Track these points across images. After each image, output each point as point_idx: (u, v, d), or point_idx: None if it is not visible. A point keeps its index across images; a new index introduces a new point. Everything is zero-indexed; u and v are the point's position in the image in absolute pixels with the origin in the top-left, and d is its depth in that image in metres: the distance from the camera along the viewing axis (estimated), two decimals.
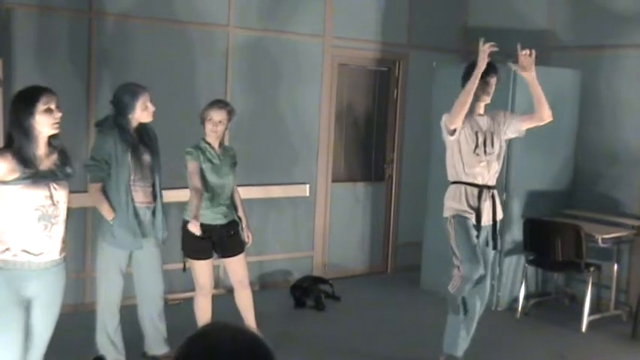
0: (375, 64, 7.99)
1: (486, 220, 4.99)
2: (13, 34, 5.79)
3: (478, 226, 4.96)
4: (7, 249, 3.56)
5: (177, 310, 6.00)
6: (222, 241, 5.10)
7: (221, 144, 5.14)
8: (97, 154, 4.79)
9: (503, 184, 6.59)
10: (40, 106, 3.56)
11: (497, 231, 5.08)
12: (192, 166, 4.93)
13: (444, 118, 4.98)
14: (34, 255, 3.60)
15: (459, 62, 8.24)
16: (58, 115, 3.62)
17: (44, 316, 3.73)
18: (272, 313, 5.98)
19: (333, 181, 7.78)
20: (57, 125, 3.62)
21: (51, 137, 3.66)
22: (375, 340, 5.93)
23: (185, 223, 5.05)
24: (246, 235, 5.24)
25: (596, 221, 6.64)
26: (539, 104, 5.03)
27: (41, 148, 3.62)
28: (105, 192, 4.81)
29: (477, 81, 4.83)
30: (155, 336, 5.14)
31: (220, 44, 6.80)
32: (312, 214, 7.60)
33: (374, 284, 7.75)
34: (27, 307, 3.66)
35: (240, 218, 5.23)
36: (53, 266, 3.70)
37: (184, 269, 5.18)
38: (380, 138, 8.17)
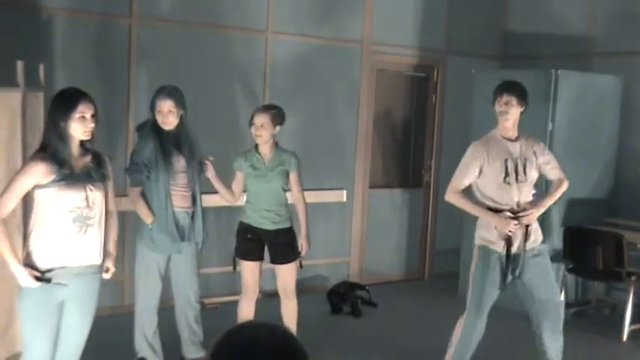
0: (413, 69, 7.96)
1: (517, 248, 4.74)
2: (54, 39, 5.88)
3: (508, 255, 4.71)
4: (42, 252, 3.59)
5: (215, 314, 6.02)
6: (272, 246, 5.09)
7: (275, 148, 5.06)
8: (137, 157, 4.83)
9: (543, 192, 6.51)
10: (76, 114, 3.58)
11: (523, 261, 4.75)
12: (235, 173, 5.05)
13: (453, 182, 4.85)
14: (69, 258, 3.62)
15: (498, 68, 8.20)
16: (91, 125, 3.63)
17: (78, 320, 3.75)
18: (309, 319, 5.97)
19: (371, 186, 7.77)
20: (88, 133, 3.64)
21: (84, 141, 3.68)
22: (411, 347, 5.89)
23: (239, 223, 5.11)
24: (301, 244, 5.16)
25: (637, 229, 6.53)
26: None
27: (75, 151, 3.65)
28: (144, 196, 4.85)
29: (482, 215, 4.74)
30: (192, 339, 5.16)
31: (259, 49, 6.83)
32: (349, 219, 7.59)
33: (411, 291, 7.71)
34: (60, 309, 3.68)
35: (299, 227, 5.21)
36: (89, 272, 3.72)
37: (234, 269, 5.19)
38: (418, 144, 8.14)
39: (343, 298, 6.81)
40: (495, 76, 7.20)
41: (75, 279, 3.65)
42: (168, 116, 4.80)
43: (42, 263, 3.59)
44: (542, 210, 4.79)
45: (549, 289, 4.87)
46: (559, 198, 4.91)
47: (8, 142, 4.61)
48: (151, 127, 4.87)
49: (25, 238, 3.73)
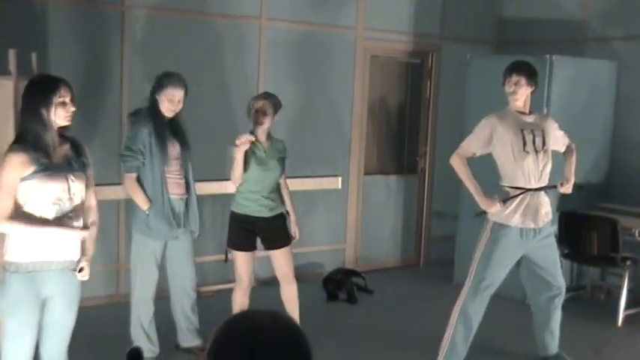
0: (407, 56, 7.94)
1: (538, 223, 4.85)
2: (47, 28, 5.83)
3: (531, 231, 4.83)
4: (24, 246, 3.47)
5: (211, 302, 6.01)
6: (268, 233, 5.07)
7: (269, 137, 5.07)
8: (132, 143, 4.79)
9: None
10: (57, 98, 3.48)
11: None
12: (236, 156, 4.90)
13: (461, 148, 4.99)
14: (50, 252, 3.50)
15: (493, 54, 8.19)
16: (72, 109, 3.55)
17: (63, 316, 3.64)
18: (304, 306, 5.95)
19: (366, 173, 7.75)
20: (69, 118, 3.55)
21: (61, 128, 3.57)
22: (407, 333, 5.90)
23: (232, 213, 5.07)
24: (294, 231, 5.20)
25: (632, 214, 6.54)
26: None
27: (55, 138, 3.52)
28: (140, 182, 4.82)
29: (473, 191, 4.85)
30: (188, 328, 5.16)
31: (252, 37, 6.79)
32: (344, 206, 7.58)
33: (406, 277, 7.72)
34: (43, 304, 3.58)
35: (288, 213, 5.20)
36: (71, 267, 3.60)
37: (226, 260, 5.17)
38: (412, 130, 8.13)
39: (339, 285, 6.81)
40: (490, 62, 7.20)
41: (56, 274, 3.54)
42: (177, 105, 4.86)
43: (23, 257, 3.47)
44: (573, 178, 4.98)
45: (554, 266, 5.04)
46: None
47: (0, 130, 4.59)
48: (146, 114, 4.85)
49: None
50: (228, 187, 6.50)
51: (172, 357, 5.15)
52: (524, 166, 4.79)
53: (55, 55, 5.82)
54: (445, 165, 7.85)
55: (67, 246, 3.56)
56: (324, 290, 6.81)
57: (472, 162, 4.96)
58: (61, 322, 3.67)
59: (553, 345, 5.20)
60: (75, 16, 5.95)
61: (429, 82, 8.07)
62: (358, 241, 7.76)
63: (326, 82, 7.28)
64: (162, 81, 4.83)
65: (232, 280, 5.29)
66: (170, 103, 4.82)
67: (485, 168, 5.01)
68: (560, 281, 5.05)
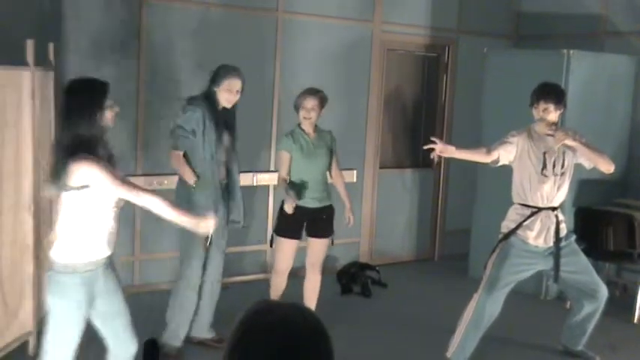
0: (424, 49, 7.91)
1: (549, 242, 4.87)
2: (64, 19, 5.85)
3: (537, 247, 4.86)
4: (86, 252, 3.47)
5: (226, 294, 6.01)
6: (311, 222, 5.25)
7: (316, 129, 5.29)
8: (186, 123, 4.83)
9: None
10: (108, 101, 3.46)
11: (559, 258, 4.89)
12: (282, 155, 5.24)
13: (493, 146, 4.99)
14: (108, 253, 3.55)
15: (510, 48, 8.14)
16: (116, 109, 3.54)
17: (113, 304, 3.64)
18: (318, 299, 5.98)
19: (381, 167, 7.75)
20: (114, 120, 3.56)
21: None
22: (421, 327, 5.90)
23: (283, 202, 5.22)
24: (347, 217, 5.45)
25: None
26: (595, 163, 4.90)
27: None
28: (187, 162, 4.89)
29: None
30: (209, 318, 5.18)
31: (269, 29, 6.79)
32: (359, 200, 7.57)
33: (421, 271, 7.71)
34: (93, 303, 3.54)
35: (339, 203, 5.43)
36: (108, 261, 3.63)
37: (271, 245, 5.39)
38: (429, 124, 8.10)
39: (353, 278, 6.82)
40: (508, 56, 7.17)
41: (104, 271, 3.57)
42: (236, 95, 4.98)
43: (81, 258, 3.46)
44: (572, 141, 4.77)
45: (586, 270, 5.04)
46: (595, 152, 4.88)
47: (17, 121, 4.62)
48: (204, 99, 4.91)
49: (61, 232, 3.49)
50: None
51: (187, 350, 5.13)
52: (539, 188, 4.84)
53: (72, 47, 5.84)
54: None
55: (114, 242, 3.60)
56: (338, 283, 6.81)
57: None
58: (114, 311, 3.66)
59: (580, 342, 5.27)
60: (93, 7, 5.95)
61: (445, 76, 8.04)
62: (373, 234, 7.76)
63: (342, 76, 7.27)
64: (220, 72, 4.95)
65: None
66: (229, 93, 4.94)
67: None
68: (598, 287, 5.07)
